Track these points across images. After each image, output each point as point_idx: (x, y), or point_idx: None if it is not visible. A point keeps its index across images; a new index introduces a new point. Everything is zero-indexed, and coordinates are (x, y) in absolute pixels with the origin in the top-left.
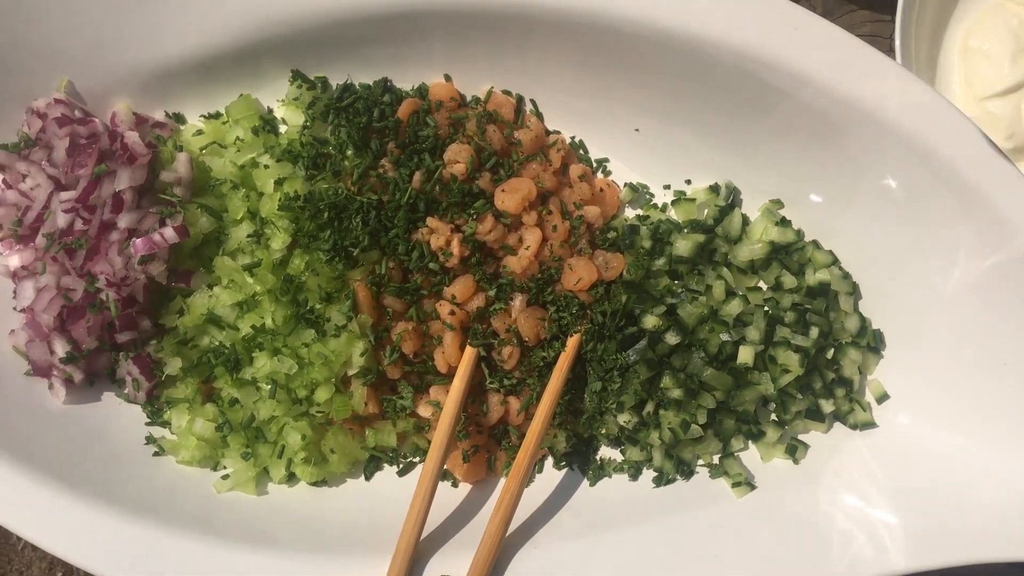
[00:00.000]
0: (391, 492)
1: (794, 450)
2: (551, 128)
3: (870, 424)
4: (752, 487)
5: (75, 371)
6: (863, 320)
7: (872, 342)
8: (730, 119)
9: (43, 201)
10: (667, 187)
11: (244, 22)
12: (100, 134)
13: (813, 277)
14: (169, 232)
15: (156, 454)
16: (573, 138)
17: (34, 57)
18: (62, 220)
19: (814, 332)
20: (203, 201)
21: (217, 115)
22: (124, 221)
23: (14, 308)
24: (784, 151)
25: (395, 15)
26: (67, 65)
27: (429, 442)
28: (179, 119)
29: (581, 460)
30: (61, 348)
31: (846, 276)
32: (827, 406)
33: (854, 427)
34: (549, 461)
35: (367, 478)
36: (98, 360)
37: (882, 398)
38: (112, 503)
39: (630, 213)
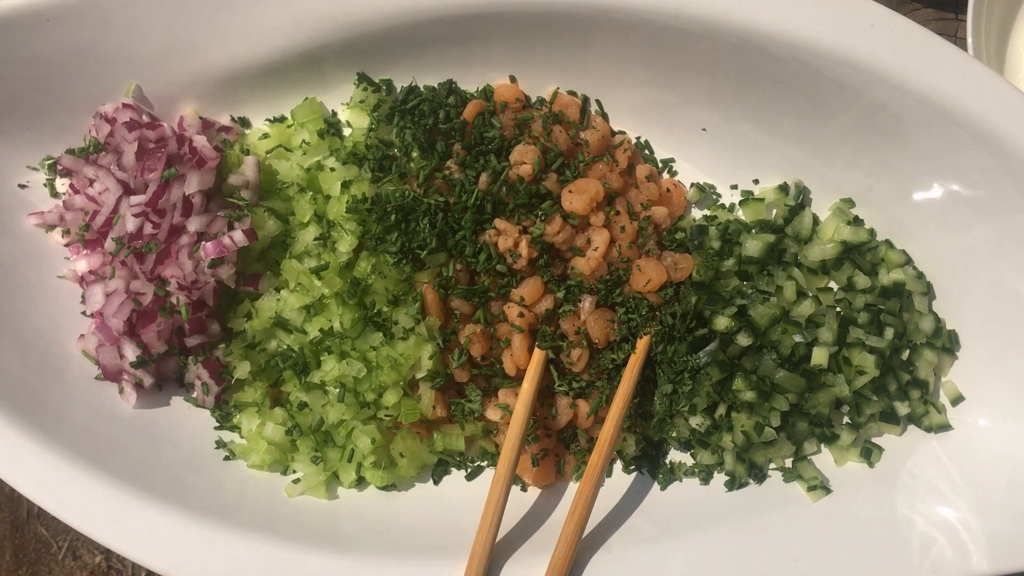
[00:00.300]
0: (459, 496)
1: (869, 453)
2: (616, 128)
3: (945, 427)
4: (828, 490)
5: (145, 375)
6: (938, 320)
7: (947, 343)
8: (800, 117)
9: (112, 205)
10: (734, 187)
11: (309, 26)
12: (168, 138)
13: (887, 277)
14: (238, 235)
15: (227, 458)
16: (639, 138)
17: (103, 62)
18: (131, 224)
19: (889, 333)
20: (270, 204)
21: (282, 119)
22: (193, 225)
23: (83, 313)
24: (855, 149)
25: (460, 16)
26: (135, 70)
27: (497, 446)
28: (244, 123)
29: (651, 464)
30: (131, 352)
31: (920, 276)
32: (902, 408)
33: (929, 430)
34: (618, 465)
35: (435, 482)
36: (167, 364)
37: (957, 400)
38: (184, 506)
39: (697, 214)
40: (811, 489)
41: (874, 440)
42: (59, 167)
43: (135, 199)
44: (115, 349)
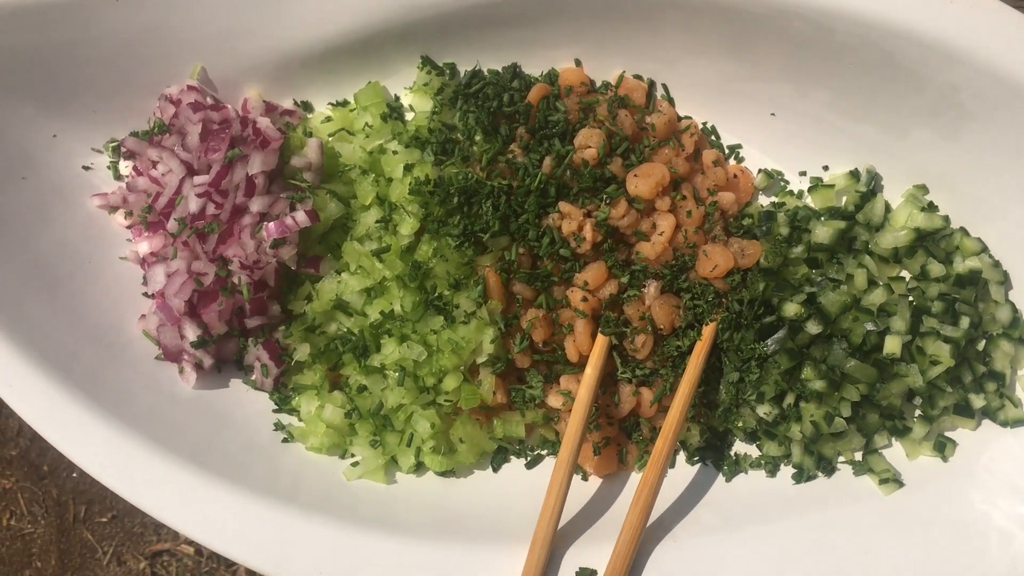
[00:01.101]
0: (519, 484)
1: (943, 447)
2: (683, 113)
3: (1022, 421)
4: (901, 484)
5: (205, 356)
6: (1015, 310)
7: None
8: (873, 102)
9: (175, 186)
10: (803, 173)
11: (372, 9)
12: (232, 120)
13: (962, 265)
14: (301, 216)
15: (285, 440)
16: (705, 123)
17: (169, 44)
18: (194, 204)
19: (964, 322)
20: (332, 187)
21: (344, 103)
22: (256, 205)
23: (144, 294)
24: (931, 132)
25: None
26: (200, 52)
27: (557, 434)
28: (307, 107)
29: (715, 455)
30: (192, 332)
31: (997, 264)
32: (977, 401)
33: (1004, 424)
34: (681, 456)
35: (495, 469)
36: (227, 346)
37: None
38: (243, 486)
39: (764, 200)
40: (883, 482)
41: (947, 434)
42: (123, 149)
43: (198, 179)
44: (176, 329)
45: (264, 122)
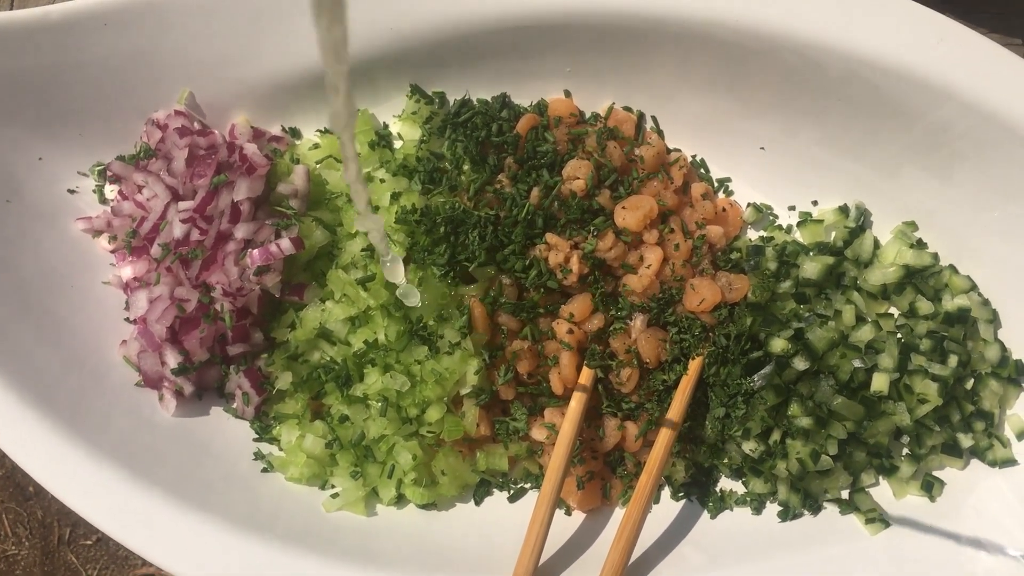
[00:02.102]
0: (502, 518)
1: (930, 486)
2: (672, 146)
3: (1010, 461)
4: (887, 524)
5: (185, 383)
6: (1004, 349)
7: (1013, 373)
8: (862, 136)
9: (160, 211)
10: (792, 208)
11: (362, 37)
12: (219, 145)
13: (951, 303)
14: (285, 243)
15: (264, 470)
16: (695, 156)
17: (157, 68)
18: (178, 230)
19: (953, 361)
20: (318, 214)
21: None
22: (241, 232)
23: (126, 319)
24: (920, 169)
25: (515, 28)
26: (189, 78)
27: (541, 467)
28: (295, 134)
29: (700, 491)
30: (173, 359)
31: (986, 303)
32: (965, 440)
33: (993, 464)
34: (666, 492)
35: (477, 503)
36: (208, 373)
37: (1022, 434)
38: (221, 517)
39: (753, 234)
40: (869, 522)
41: (935, 473)
42: (109, 173)
43: (183, 204)
44: (156, 356)
45: (251, 148)
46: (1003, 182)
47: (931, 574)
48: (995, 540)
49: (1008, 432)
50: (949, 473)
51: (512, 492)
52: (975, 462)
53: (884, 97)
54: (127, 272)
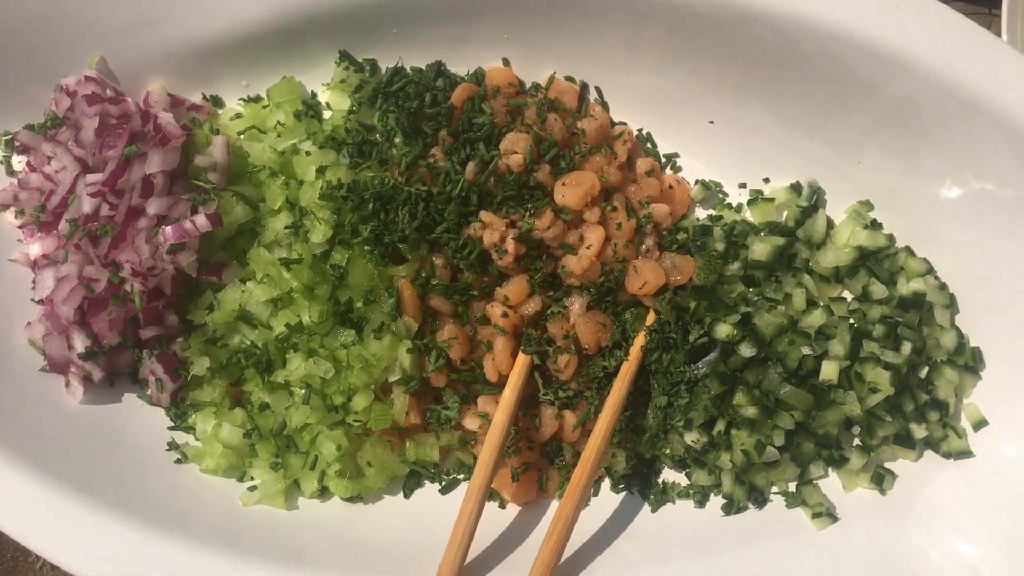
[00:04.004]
0: (432, 511)
1: (881, 479)
2: (617, 119)
3: (966, 453)
4: (834, 518)
5: (94, 368)
6: (961, 336)
7: (970, 361)
8: (817, 112)
9: (68, 184)
10: (742, 186)
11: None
12: (132, 114)
13: (906, 287)
14: (201, 220)
15: (178, 461)
16: (640, 130)
17: (65, 32)
18: (87, 205)
19: (906, 348)
20: (239, 189)
21: (257, 99)
22: (153, 207)
23: (32, 299)
24: (876, 146)
25: None
26: (100, 41)
27: (475, 458)
28: (216, 102)
29: (642, 483)
30: (81, 343)
31: (943, 287)
32: (919, 431)
33: (947, 455)
34: (606, 483)
35: (406, 495)
36: (120, 357)
37: (979, 424)
38: (130, 513)
39: (701, 213)
40: (815, 516)
41: (887, 465)
42: (16, 143)
43: (92, 177)
44: (63, 339)
45: (166, 117)
46: (965, 160)
47: (879, 572)
48: (948, 536)
49: (964, 422)
50: (901, 465)
51: (444, 484)
52: (929, 453)
53: (839, 68)
54: (35, 249)
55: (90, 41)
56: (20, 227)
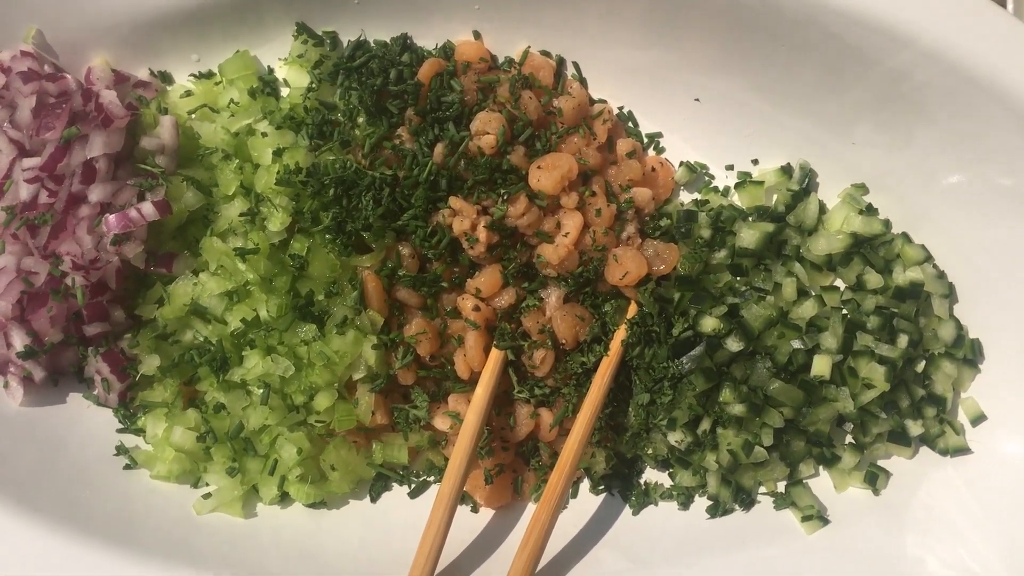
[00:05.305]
0: (401, 516)
1: (874, 478)
2: (596, 96)
3: (963, 449)
4: (825, 521)
5: (35, 368)
6: (960, 327)
7: (969, 354)
8: (811, 88)
9: (3, 169)
10: (730, 168)
11: None
12: (72, 92)
13: (902, 276)
14: (148, 208)
15: (127, 467)
16: (621, 108)
17: None
18: (25, 191)
19: (902, 341)
20: (190, 173)
21: (209, 74)
22: (96, 194)
23: None
24: (873, 125)
25: None
26: (37, 13)
27: (445, 459)
28: (165, 78)
29: (623, 484)
30: (19, 341)
31: (941, 275)
32: (914, 428)
33: (944, 453)
34: (585, 484)
35: (373, 499)
36: (63, 355)
37: (978, 419)
38: (74, 525)
39: (686, 197)
40: (806, 519)
41: (881, 463)
42: None
43: (28, 162)
44: (1, 337)
45: (109, 96)
46: (966, 142)
47: None
48: (944, 539)
49: (962, 417)
50: (896, 463)
51: (414, 486)
52: (925, 451)
53: (835, 41)
54: None
55: (25, 12)
56: None
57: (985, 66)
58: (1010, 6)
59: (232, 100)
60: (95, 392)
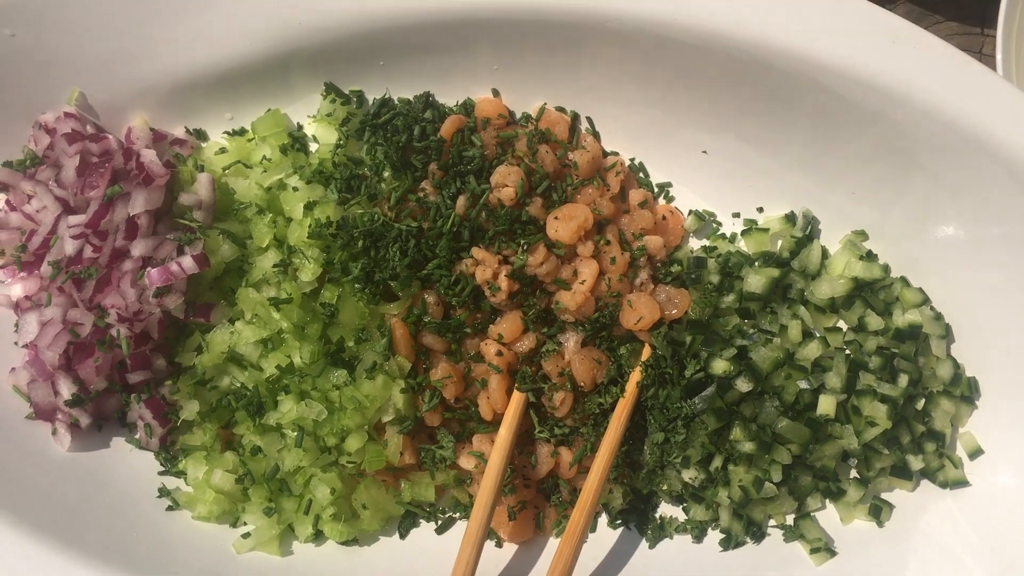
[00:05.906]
0: (429, 551)
1: (878, 511)
2: (609, 149)
3: (962, 482)
4: (833, 553)
5: (82, 415)
6: (957, 366)
7: (966, 391)
8: (811, 141)
9: (49, 225)
10: (736, 215)
11: (273, 30)
12: (114, 152)
13: (902, 318)
14: (187, 261)
15: (169, 508)
16: (633, 160)
17: (44, 66)
18: (70, 247)
19: (903, 380)
20: (225, 227)
21: (242, 132)
22: (138, 249)
23: (15, 343)
24: (871, 177)
25: (440, 23)
26: (79, 76)
27: (470, 496)
28: (200, 136)
29: (639, 518)
30: (67, 389)
31: (938, 317)
32: (915, 462)
33: (944, 486)
34: (603, 519)
35: (402, 536)
36: (107, 402)
37: (975, 453)
38: (119, 564)
39: (695, 244)
40: (814, 551)
41: (884, 496)
42: None
43: (74, 219)
44: (49, 385)
45: (149, 155)
46: (960, 192)
47: None
48: (944, 568)
49: (960, 451)
50: (898, 495)
51: (440, 523)
52: (925, 483)
53: (837, 100)
54: (17, 290)
55: (68, 75)
56: (1, 267)
57: (975, 122)
58: (999, 68)
59: (264, 156)
60: (137, 436)
